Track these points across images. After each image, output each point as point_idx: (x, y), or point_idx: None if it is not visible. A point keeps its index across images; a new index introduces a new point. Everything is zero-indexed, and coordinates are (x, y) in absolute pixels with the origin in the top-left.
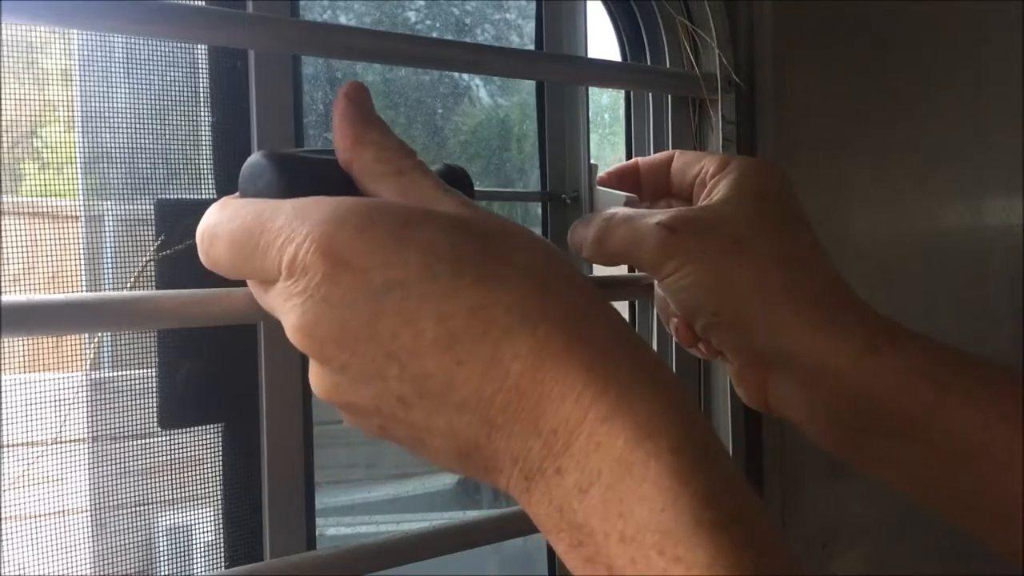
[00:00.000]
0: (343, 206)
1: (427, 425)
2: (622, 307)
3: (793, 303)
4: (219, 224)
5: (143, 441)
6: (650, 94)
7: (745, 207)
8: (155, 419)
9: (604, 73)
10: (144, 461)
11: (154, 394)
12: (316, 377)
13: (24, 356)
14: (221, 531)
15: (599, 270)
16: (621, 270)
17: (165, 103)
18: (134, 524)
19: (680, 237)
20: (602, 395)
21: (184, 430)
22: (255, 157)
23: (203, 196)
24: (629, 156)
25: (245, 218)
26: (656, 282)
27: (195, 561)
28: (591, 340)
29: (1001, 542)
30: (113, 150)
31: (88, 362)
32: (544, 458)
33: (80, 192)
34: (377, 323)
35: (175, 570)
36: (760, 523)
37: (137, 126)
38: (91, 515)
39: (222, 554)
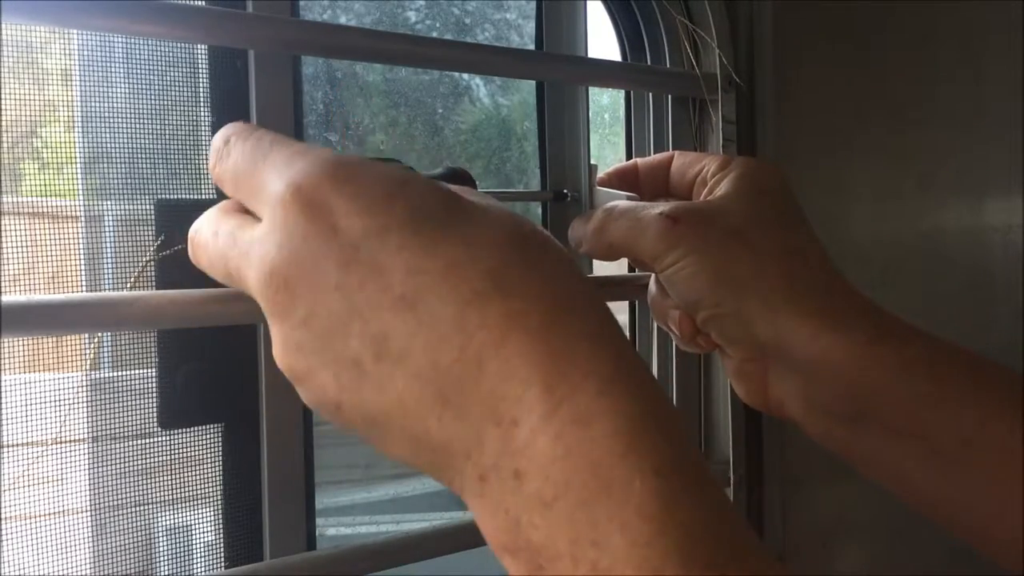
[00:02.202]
0: (342, 157)
1: (379, 401)
2: (622, 307)
3: (793, 294)
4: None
5: (143, 441)
6: (650, 94)
7: (746, 202)
8: (155, 419)
9: (604, 73)
10: (144, 461)
11: (154, 394)
12: (279, 339)
13: (24, 356)
14: (221, 531)
15: (598, 269)
16: (620, 268)
17: (165, 103)
18: (134, 524)
19: (682, 227)
20: (578, 390)
21: (184, 430)
22: None
23: (203, 196)
24: (629, 156)
25: (239, 163)
26: (653, 277)
27: (195, 561)
28: (571, 324)
29: (994, 542)
30: (113, 150)
31: (88, 362)
32: (501, 454)
33: (80, 192)
34: (347, 269)
35: (175, 570)
36: (758, 561)
37: (137, 126)
38: (91, 515)
39: (222, 554)
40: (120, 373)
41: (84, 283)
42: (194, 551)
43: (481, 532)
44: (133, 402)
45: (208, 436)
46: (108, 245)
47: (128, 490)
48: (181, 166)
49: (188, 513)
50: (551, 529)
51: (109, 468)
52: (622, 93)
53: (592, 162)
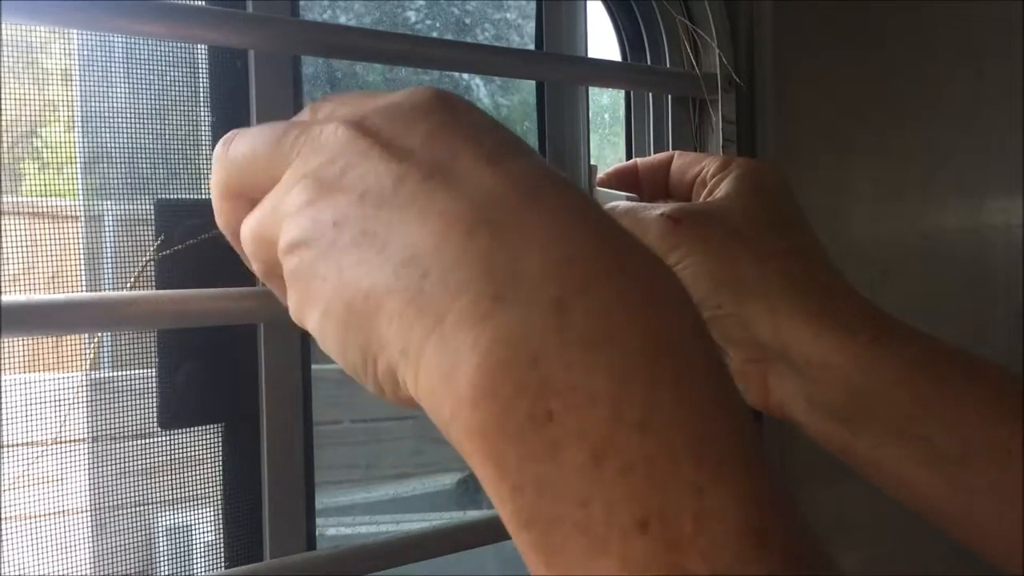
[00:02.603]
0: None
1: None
2: None
3: (795, 295)
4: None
5: (143, 441)
6: (650, 94)
7: (746, 203)
8: (155, 419)
9: (604, 73)
10: (144, 461)
11: (154, 394)
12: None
13: (24, 356)
14: (221, 531)
15: None
16: None
17: (165, 103)
18: (134, 524)
19: (683, 228)
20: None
21: (184, 430)
22: None
23: (203, 196)
24: (629, 156)
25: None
26: None
27: (195, 561)
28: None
29: (993, 545)
30: (113, 150)
31: (88, 362)
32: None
33: (80, 192)
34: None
35: (175, 570)
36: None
37: (137, 126)
38: (91, 515)
39: (222, 554)
40: (120, 373)
41: (84, 283)
42: (194, 551)
43: (440, 373)
44: (133, 402)
45: (208, 436)
46: (108, 245)
47: (128, 490)
48: (181, 166)
49: (188, 513)
50: (591, 371)
51: (109, 468)
52: (622, 93)
53: (592, 162)
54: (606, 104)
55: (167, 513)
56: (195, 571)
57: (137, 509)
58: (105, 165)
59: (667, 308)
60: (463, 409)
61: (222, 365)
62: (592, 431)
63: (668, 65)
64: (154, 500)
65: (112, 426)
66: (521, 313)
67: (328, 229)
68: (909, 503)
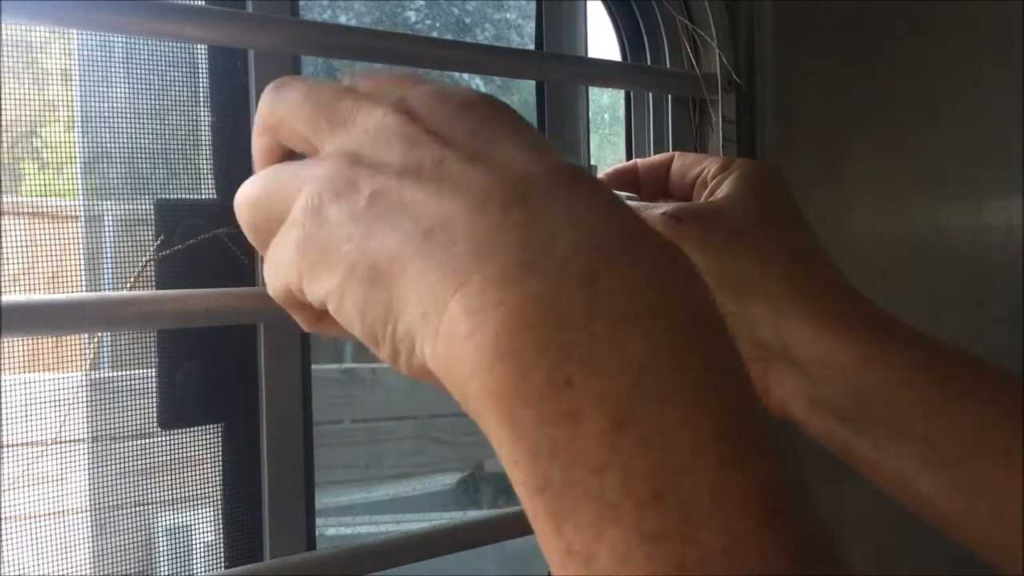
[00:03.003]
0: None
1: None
2: None
3: (796, 295)
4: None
5: (143, 441)
6: (650, 94)
7: (748, 203)
8: (155, 419)
9: (604, 73)
10: (144, 461)
11: (154, 394)
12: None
13: (24, 356)
14: (221, 531)
15: None
16: None
17: (165, 103)
18: (134, 524)
19: (685, 227)
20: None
21: (184, 430)
22: None
23: (203, 196)
24: (629, 156)
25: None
26: None
27: (195, 561)
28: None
29: (993, 546)
30: (113, 150)
31: (88, 362)
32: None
33: (80, 192)
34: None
35: (175, 570)
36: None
37: (137, 126)
38: (91, 515)
39: (222, 554)
40: (120, 373)
41: (84, 283)
42: (194, 551)
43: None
44: (133, 402)
45: (208, 436)
46: (108, 245)
47: (128, 490)
48: (181, 166)
49: (188, 513)
50: (616, 344)
51: (109, 468)
52: (622, 93)
53: (592, 162)
54: (606, 104)
55: (167, 513)
56: (195, 571)
57: (137, 509)
58: (105, 165)
59: (693, 293)
60: (481, 368)
61: (222, 365)
62: (612, 400)
63: (668, 65)
64: (154, 500)
65: (112, 426)
66: (551, 282)
67: (363, 197)
68: (909, 504)
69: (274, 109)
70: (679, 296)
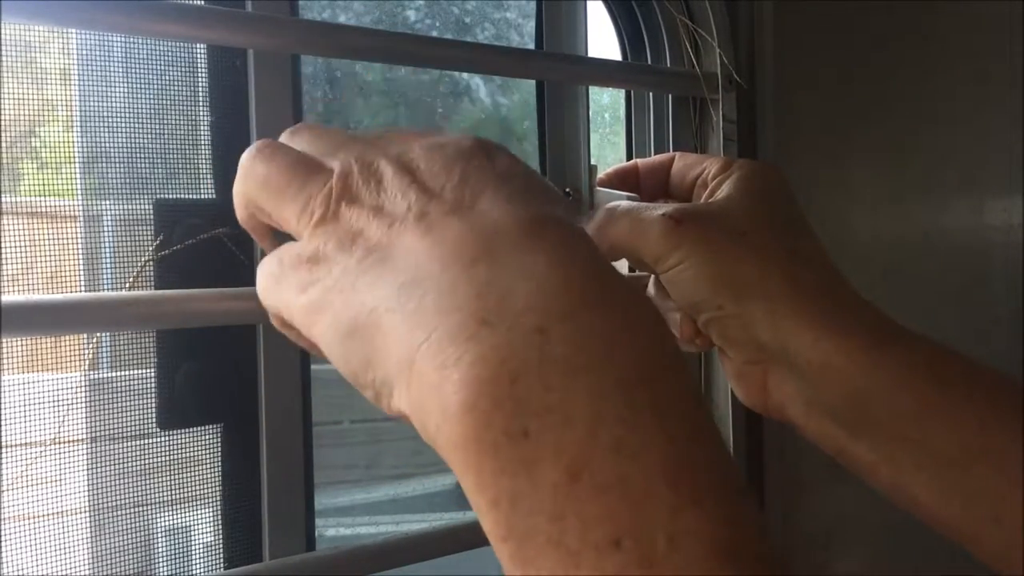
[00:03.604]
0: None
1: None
2: None
3: (796, 297)
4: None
5: (142, 441)
6: (650, 94)
7: (748, 204)
8: (154, 419)
9: (604, 73)
10: (143, 461)
11: (154, 394)
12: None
13: (24, 356)
14: (220, 532)
15: None
16: (620, 269)
17: (164, 103)
18: (133, 525)
19: (685, 228)
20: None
21: (183, 430)
22: None
23: (202, 196)
24: (629, 156)
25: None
26: (652, 278)
27: (194, 562)
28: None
29: (990, 549)
30: (112, 150)
31: (87, 362)
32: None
33: (79, 192)
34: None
35: (175, 571)
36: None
37: (136, 126)
38: (90, 516)
39: (221, 555)
40: (119, 373)
41: (83, 283)
42: (193, 552)
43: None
44: (132, 402)
45: (207, 436)
46: (107, 245)
47: (127, 491)
48: (180, 166)
49: (187, 513)
50: (569, 394)
51: (108, 468)
52: (622, 93)
53: (592, 162)
54: (606, 104)
55: (166, 514)
56: (195, 572)
57: (136, 510)
58: (104, 165)
59: (645, 339)
60: (447, 419)
61: (222, 365)
62: (567, 450)
63: (668, 64)
64: (153, 501)
65: (111, 426)
66: (504, 336)
67: (346, 247)
68: (907, 506)
69: (247, 190)
70: (631, 343)
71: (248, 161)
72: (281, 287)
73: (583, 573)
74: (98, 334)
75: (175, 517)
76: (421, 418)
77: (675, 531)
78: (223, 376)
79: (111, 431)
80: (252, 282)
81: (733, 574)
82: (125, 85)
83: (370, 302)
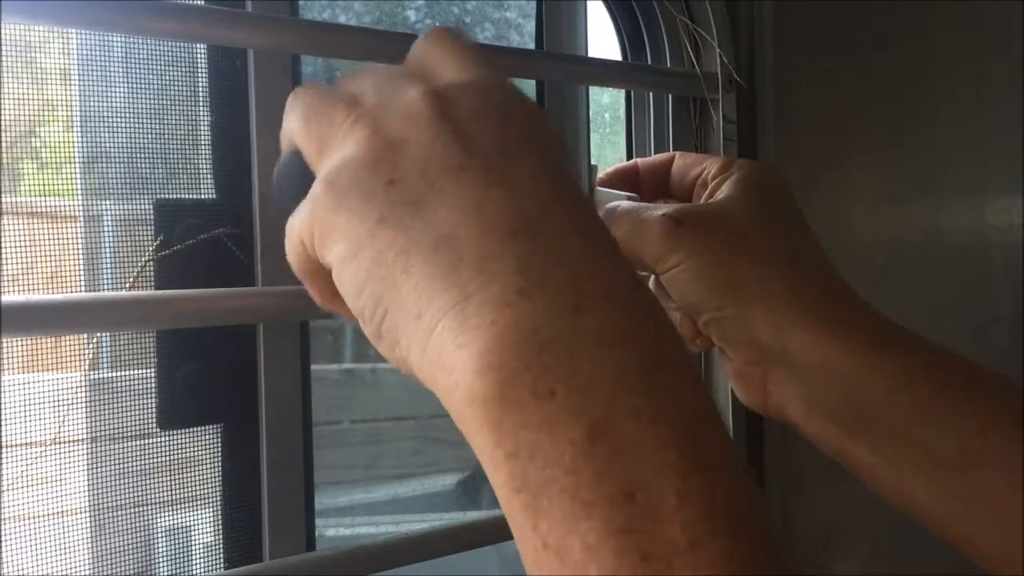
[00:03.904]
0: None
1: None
2: None
3: (796, 299)
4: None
5: (142, 441)
6: (651, 94)
7: (749, 205)
8: (154, 419)
9: (604, 73)
10: (143, 462)
11: (154, 394)
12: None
13: (24, 356)
14: (220, 532)
15: None
16: None
17: (164, 103)
18: (133, 525)
19: (685, 229)
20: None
21: (183, 430)
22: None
23: (202, 196)
24: (630, 156)
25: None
26: (652, 278)
27: (194, 562)
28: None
29: (987, 552)
30: (112, 150)
31: (87, 362)
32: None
33: (79, 192)
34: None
35: (175, 571)
36: None
37: (136, 126)
38: (90, 516)
39: (221, 555)
40: (119, 373)
41: (83, 283)
42: (194, 552)
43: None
44: (132, 402)
45: (207, 436)
46: (107, 245)
47: (127, 491)
48: (180, 166)
49: (188, 514)
50: (595, 365)
51: (108, 468)
52: (622, 92)
53: (592, 162)
54: (606, 104)
55: (167, 514)
56: (195, 572)
57: (137, 510)
58: (104, 165)
59: (659, 323)
60: (469, 376)
61: (221, 365)
62: (589, 413)
63: (668, 64)
64: (154, 501)
65: (111, 426)
66: (542, 308)
67: (380, 181)
68: (904, 507)
69: (293, 119)
70: (648, 326)
71: (288, 104)
72: (307, 199)
73: (595, 522)
74: (98, 334)
75: (175, 517)
76: (434, 373)
77: (684, 490)
78: (223, 376)
79: (111, 431)
80: (252, 282)
81: (736, 530)
82: (125, 85)
83: (400, 243)
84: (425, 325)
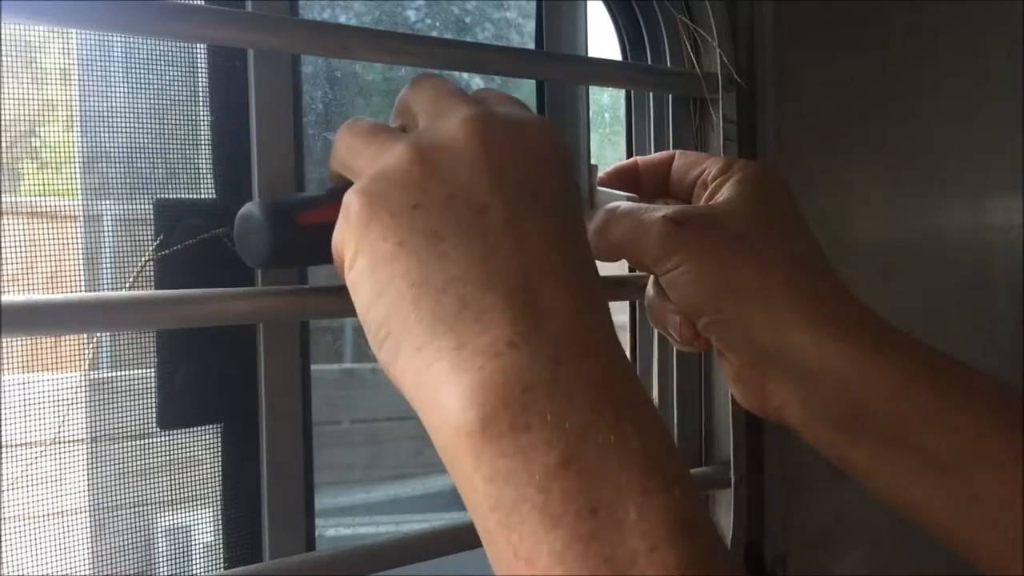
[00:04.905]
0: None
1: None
2: (622, 307)
3: (797, 301)
4: None
5: (142, 441)
6: (651, 94)
7: (749, 207)
8: (155, 419)
9: (604, 72)
10: (143, 461)
11: (154, 394)
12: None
13: (24, 356)
14: (220, 532)
15: (600, 269)
16: (621, 268)
17: (164, 103)
18: (133, 525)
19: (685, 231)
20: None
21: (183, 430)
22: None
23: (202, 196)
24: (629, 156)
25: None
26: (651, 279)
27: (194, 562)
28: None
29: (985, 555)
30: (112, 150)
31: (87, 362)
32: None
33: (79, 192)
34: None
35: (174, 571)
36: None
37: (136, 126)
38: (90, 516)
39: (221, 555)
40: (119, 373)
41: (83, 283)
42: (193, 552)
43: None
44: (132, 402)
45: (207, 436)
46: (107, 245)
47: (127, 491)
48: (180, 166)
49: (187, 514)
50: (567, 406)
51: (108, 468)
52: (622, 92)
53: (592, 162)
54: (606, 104)
55: (166, 514)
56: (195, 572)
57: (136, 510)
58: (104, 165)
59: (631, 383)
60: (456, 412)
61: (222, 365)
62: (561, 443)
63: (669, 64)
64: (153, 501)
65: (111, 426)
66: (527, 358)
67: (407, 203)
68: (903, 510)
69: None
70: (617, 374)
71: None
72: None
73: (561, 532)
74: (98, 334)
75: (175, 517)
76: (425, 404)
77: (644, 506)
78: (223, 376)
79: (111, 431)
80: (252, 282)
81: (690, 538)
82: (125, 85)
83: (414, 275)
84: (423, 359)
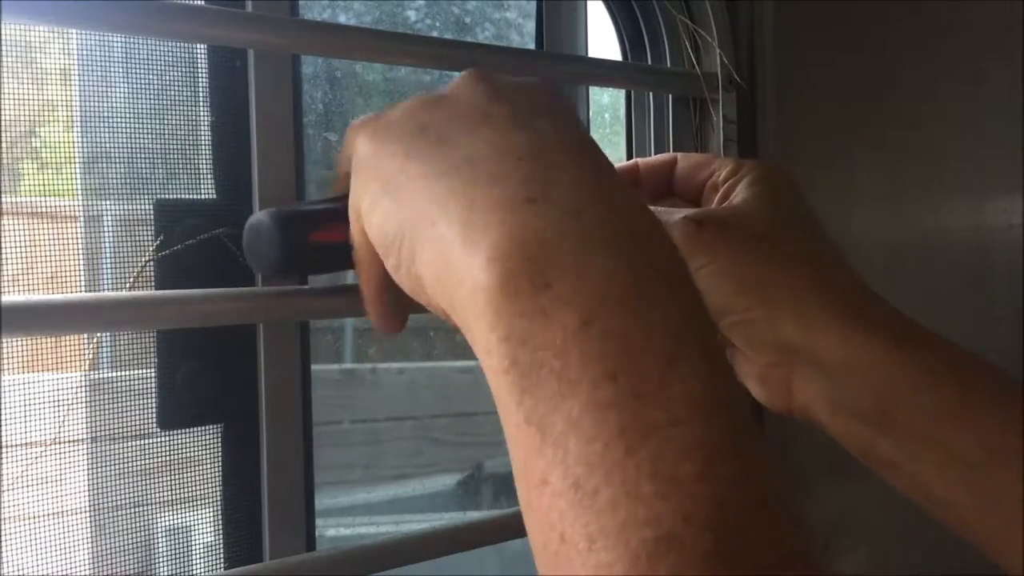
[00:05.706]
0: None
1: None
2: None
3: (823, 298)
4: None
5: (143, 441)
6: (651, 94)
7: (766, 207)
8: (155, 419)
9: (604, 73)
10: (144, 461)
11: (154, 394)
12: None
13: (24, 356)
14: (220, 532)
15: None
16: None
17: (164, 103)
18: (134, 525)
19: (707, 232)
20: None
21: (184, 430)
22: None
23: (202, 196)
24: (630, 156)
25: None
26: None
27: (194, 562)
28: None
29: (1007, 551)
30: (112, 150)
31: (88, 362)
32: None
33: (79, 192)
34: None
35: (174, 571)
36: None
37: (136, 126)
38: (90, 516)
39: (221, 555)
40: (120, 373)
41: (83, 283)
42: (194, 552)
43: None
44: (133, 402)
45: (208, 436)
46: (107, 245)
47: (128, 491)
48: (180, 166)
49: (188, 514)
50: (590, 260)
51: (109, 468)
52: (622, 93)
53: None
54: (606, 104)
55: (167, 514)
56: (195, 572)
57: (137, 510)
58: (104, 165)
59: (655, 234)
60: (475, 270)
61: (221, 365)
62: (582, 301)
63: (669, 64)
64: (154, 501)
65: (111, 426)
66: (546, 212)
67: (414, 125)
68: (927, 505)
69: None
70: (641, 229)
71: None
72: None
73: (579, 399)
74: (98, 334)
75: (175, 517)
76: (440, 272)
77: (666, 375)
78: (223, 376)
79: (111, 431)
80: (252, 282)
81: (713, 416)
82: (125, 85)
83: (428, 170)
84: (439, 231)
